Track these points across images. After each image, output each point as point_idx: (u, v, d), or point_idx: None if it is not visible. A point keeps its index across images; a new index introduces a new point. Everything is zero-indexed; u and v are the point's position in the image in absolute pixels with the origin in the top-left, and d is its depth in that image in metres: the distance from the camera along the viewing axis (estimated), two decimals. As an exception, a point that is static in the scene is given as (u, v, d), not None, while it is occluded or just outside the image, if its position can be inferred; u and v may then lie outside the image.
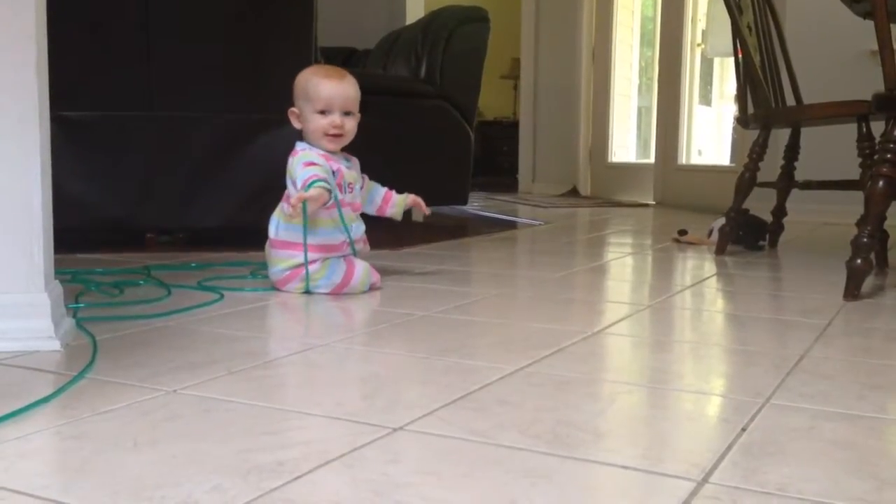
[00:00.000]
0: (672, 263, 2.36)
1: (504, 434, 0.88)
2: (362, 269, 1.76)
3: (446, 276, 2.03)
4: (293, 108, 1.80)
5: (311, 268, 1.72)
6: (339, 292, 1.74)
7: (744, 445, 0.86)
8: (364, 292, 1.76)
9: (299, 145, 1.78)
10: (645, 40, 5.59)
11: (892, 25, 1.91)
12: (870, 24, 1.97)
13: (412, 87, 3.41)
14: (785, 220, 2.71)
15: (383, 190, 1.96)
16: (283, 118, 1.83)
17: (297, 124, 1.81)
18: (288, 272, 1.73)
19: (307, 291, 1.73)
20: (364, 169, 1.90)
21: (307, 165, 1.71)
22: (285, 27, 2.44)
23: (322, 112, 1.76)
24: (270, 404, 0.98)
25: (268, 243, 1.78)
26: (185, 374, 1.10)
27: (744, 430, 0.91)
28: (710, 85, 5.08)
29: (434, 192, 3.52)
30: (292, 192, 1.73)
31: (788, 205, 2.69)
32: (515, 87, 7.85)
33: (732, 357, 1.29)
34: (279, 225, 1.74)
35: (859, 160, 2.33)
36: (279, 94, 1.92)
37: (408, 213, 3.74)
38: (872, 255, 1.84)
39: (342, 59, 4.21)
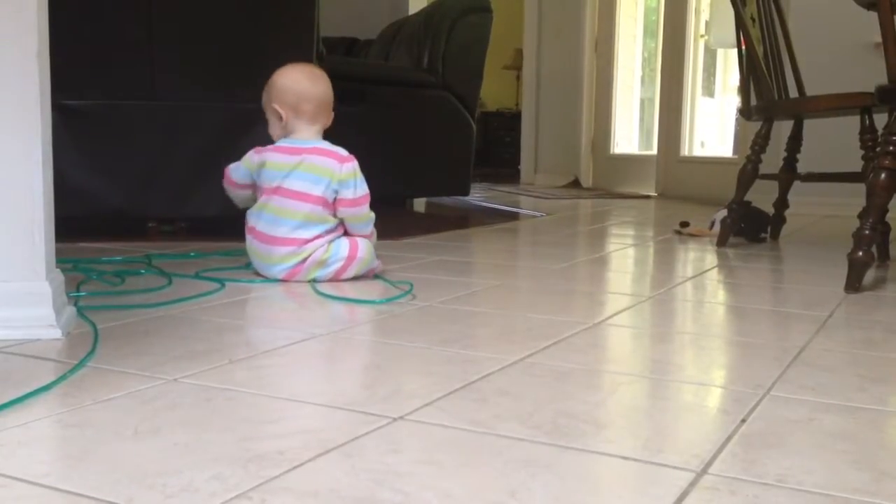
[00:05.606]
0: (673, 255, 2.36)
1: (504, 424, 0.88)
2: (365, 243, 1.78)
3: (447, 266, 2.03)
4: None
5: (318, 252, 1.72)
6: (346, 268, 1.74)
7: (743, 437, 0.86)
8: (367, 272, 1.78)
9: (342, 150, 1.79)
10: (648, 31, 5.58)
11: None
12: (873, 15, 1.96)
13: (414, 78, 3.41)
14: (787, 212, 2.71)
15: None
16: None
17: (326, 124, 1.83)
18: (296, 266, 1.73)
19: (313, 280, 1.74)
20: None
21: None
22: (287, 17, 2.44)
23: None
24: (271, 393, 0.99)
25: (255, 239, 1.76)
26: (186, 363, 1.10)
27: (744, 421, 0.91)
28: (714, 76, 5.06)
29: (436, 182, 3.53)
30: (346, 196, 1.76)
31: (790, 197, 2.69)
32: (518, 78, 7.84)
33: (733, 348, 1.29)
34: (284, 222, 1.72)
35: (862, 152, 2.33)
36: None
37: (408, 201, 3.75)
38: (874, 248, 1.84)
39: (344, 48, 4.20)
